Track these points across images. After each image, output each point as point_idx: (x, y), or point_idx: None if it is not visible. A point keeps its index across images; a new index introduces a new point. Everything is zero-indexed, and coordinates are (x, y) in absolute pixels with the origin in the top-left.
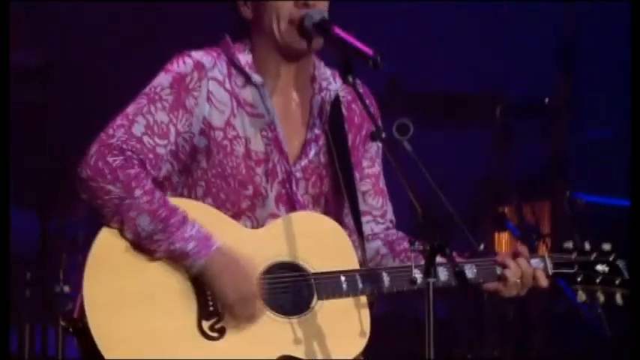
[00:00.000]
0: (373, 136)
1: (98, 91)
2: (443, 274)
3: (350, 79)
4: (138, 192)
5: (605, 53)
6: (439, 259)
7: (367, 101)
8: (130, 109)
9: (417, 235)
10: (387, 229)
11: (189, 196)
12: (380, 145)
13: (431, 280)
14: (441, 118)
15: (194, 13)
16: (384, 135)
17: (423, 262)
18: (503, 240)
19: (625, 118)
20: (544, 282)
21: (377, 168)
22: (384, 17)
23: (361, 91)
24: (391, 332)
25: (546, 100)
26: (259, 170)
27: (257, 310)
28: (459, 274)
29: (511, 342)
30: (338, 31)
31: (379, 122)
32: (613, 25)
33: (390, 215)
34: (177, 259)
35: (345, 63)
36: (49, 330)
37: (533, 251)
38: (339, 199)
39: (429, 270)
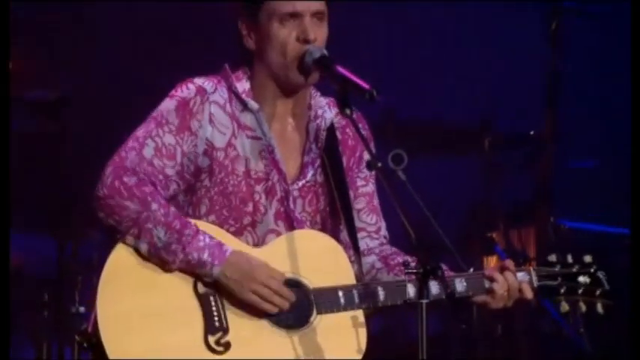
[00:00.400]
0: (369, 166)
1: (109, 123)
2: (434, 288)
3: (348, 111)
4: (154, 206)
5: (588, 89)
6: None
7: (360, 125)
8: (140, 132)
9: (411, 255)
10: (382, 244)
11: (193, 214)
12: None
13: (424, 301)
14: (434, 147)
15: (204, 48)
16: (379, 164)
17: (411, 269)
18: (491, 263)
19: (605, 150)
20: (529, 294)
21: (371, 187)
22: (382, 53)
23: (356, 116)
24: (386, 349)
25: (532, 132)
26: (259, 188)
27: (282, 305)
28: (450, 295)
29: (499, 357)
30: (337, 66)
31: (372, 145)
32: (595, 63)
33: (383, 231)
34: (193, 268)
35: (344, 97)
36: (65, 349)
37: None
38: (336, 217)
39: (422, 292)
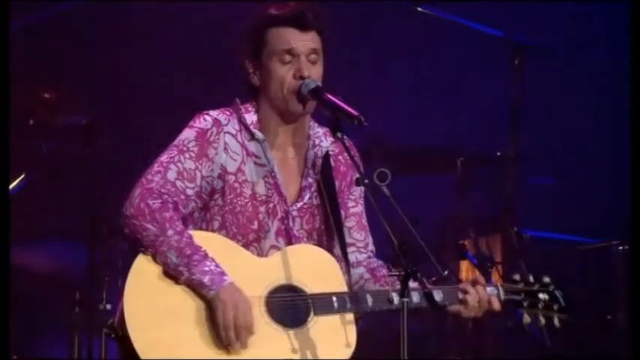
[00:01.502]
0: (358, 182)
1: (135, 145)
2: (415, 297)
3: (339, 135)
4: (170, 232)
5: (547, 116)
6: (413, 284)
7: (352, 152)
8: (164, 158)
9: (394, 262)
10: (369, 257)
11: (207, 228)
12: (363, 188)
13: (405, 299)
14: (413, 167)
15: (220, 74)
16: (366, 181)
17: (399, 286)
18: (463, 267)
19: (562, 169)
20: (497, 306)
21: (360, 208)
22: (369, 86)
23: (346, 140)
24: (373, 343)
25: (498, 153)
26: (262, 209)
27: (248, 337)
28: (428, 296)
29: (469, 350)
30: (329, 96)
31: (362, 169)
32: (555, 88)
33: (371, 246)
34: (194, 287)
35: (335, 122)
36: (94, 340)
37: (487, 276)
38: (329, 233)
39: (403, 291)
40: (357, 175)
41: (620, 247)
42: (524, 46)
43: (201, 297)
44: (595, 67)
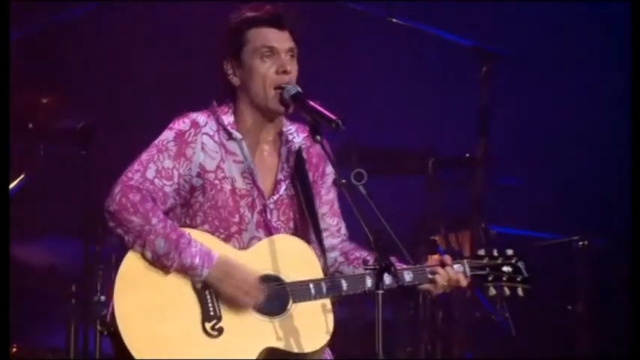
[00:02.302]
0: (335, 183)
1: (126, 147)
2: (388, 279)
3: (318, 138)
4: (154, 220)
5: (513, 118)
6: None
7: (325, 145)
8: (144, 157)
9: (367, 250)
10: (343, 241)
11: (191, 224)
12: (334, 177)
13: (380, 292)
14: (388, 168)
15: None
16: (344, 181)
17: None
18: (434, 260)
19: (526, 170)
20: (464, 282)
21: (332, 195)
22: (346, 90)
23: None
24: (349, 332)
25: (467, 155)
26: (243, 203)
27: (256, 298)
28: (402, 287)
29: (440, 338)
30: (309, 101)
31: (333, 159)
32: (520, 95)
33: (343, 230)
34: (187, 271)
35: (315, 125)
36: (89, 329)
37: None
38: (304, 222)
39: (378, 284)
40: (330, 171)
41: (580, 243)
42: (493, 54)
43: (189, 289)
44: (559, 75)
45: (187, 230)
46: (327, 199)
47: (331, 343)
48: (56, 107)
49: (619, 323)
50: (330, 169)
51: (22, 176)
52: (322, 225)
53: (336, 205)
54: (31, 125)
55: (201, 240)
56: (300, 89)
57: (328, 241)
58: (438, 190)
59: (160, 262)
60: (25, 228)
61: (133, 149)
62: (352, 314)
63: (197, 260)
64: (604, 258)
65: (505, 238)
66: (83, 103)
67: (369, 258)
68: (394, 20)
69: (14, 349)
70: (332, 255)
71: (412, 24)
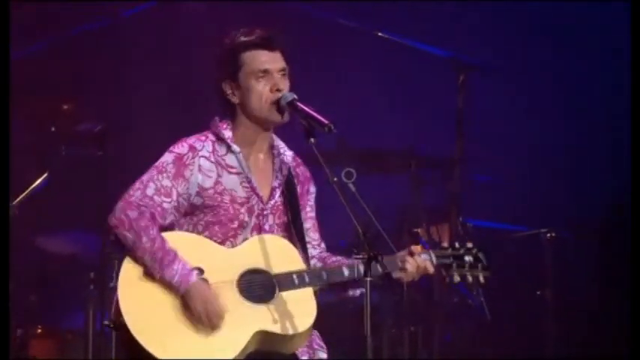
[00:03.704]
0: (329, 181)
1: (139, 149)
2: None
3: (312, 140)
4: (144, 239)
5: (488, 124)
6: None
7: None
8: (145, 177)
9: (358, 248)
10: (321, 252)
11: (194, 230)
12: (315, 197)
13: (368, 279)
14: (374, 167)
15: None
16: (335, 179)
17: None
18: (417, 251)
19: (500, 169)
20: (431, 269)
21: (313, 213)
22: (338, 98)
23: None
24: (339, 316)
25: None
26: (243, 209)
27: (220, 321)
28: (387, 275)
29: (420, 322)
30: (303, 106)
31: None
32: (494, 100)
33: (323, 245)
34: (167, 285)
35: (309, 129)
36: (105, 313)
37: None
38: (291, 230)
39: (367, 272)
40: (314, 188)
41: (548, 235)
42: (468, 64)
43: None
44: (528, 82)
45: (180, 237)
46: (310, 216)
47: (321, 328)
48: (76, 112)
49: (582, 307)
50: (313, 189)
51: (45, 175)
52: (306, 238)
53: (316, 222)
54: (53, 128)
55: (196, 247)
56: (295, 96)
57: (309, 252)
58: (419, 187)
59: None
60: (49, 221)
61: (144, 150)
62: (343, 300)
63: (175, 279)
64: (569, 248)
65: (480, 230)
66: (100, 109)
67: (345, 260)
68: (380, 34)
69: (39, 330)
70: (311, 262)
71: (396, 38)
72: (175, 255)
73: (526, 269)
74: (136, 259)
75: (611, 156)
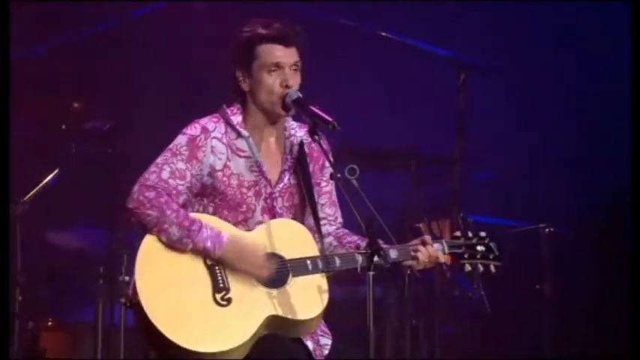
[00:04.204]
0: (332, 176)
1: (148, 146)
2: (377, 259)
3: (316, 137)
4: (168, 212)
5: (488, 120)
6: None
7: (324, 143)
8: (159, 159)
9: (358, 235)
10: (337, 228)
11: (204, 212)
12: (331, 170)
13: (371, 273)
14: (377, 164)
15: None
16: (339, 175)
17: (362, 247)
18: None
19: (499, 167)
20: (443, 259)
21: (330, 187)
22: (342, 97)
23: (323, 143)
24: (345, 308)
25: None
26: (250, 193)
27: (267, 270)
28: (392, 266)
29: (423, 313)
30: (309, 104)
31: (330, 156)
32: (495, 98)
33: (340, 219)
34: (201, 253)
35: (313, 126)
36: (114, 306)
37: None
38: (304, 209)
39: (369, 266)
40: (329, 165)
41: (547, 230)
42: (469, 64)
43: (201, 265)
44: (528, 82)
45: (198, 216)
46: (326, 190)
47: (325, 314)
48: (86, 111)
49: (580, 300)
50: (328, 163)
51: (56, 171)
52: (321, 214)
53: (334, 196)
54: (64, 126)
55: (212, 223)
56: (300, 94)
57: (325, 228)
58: (420, 184)
59: (174, 247)
60: (59, 216)
61: (152, 148)
62: (347, 293)
63: (209, 244)
64: (567, 243)
65: (480, 225)
66: (109, 108)
67: (360, 242)
68: (383, 34)
69: (50, 323)
70: (327, 240)
71: (399, 37)
72: (201, 222)
73: (525, 263)
74: (161, 234)
75: (610, 154)
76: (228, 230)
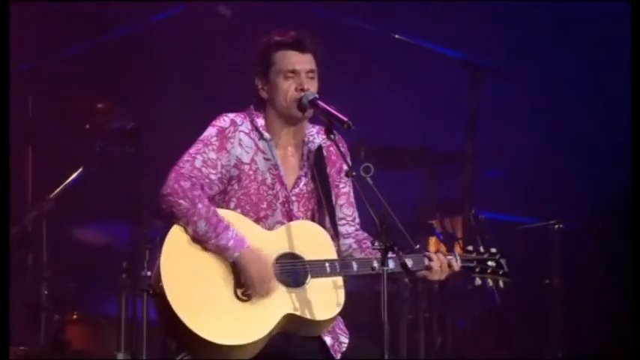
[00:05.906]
0: (347, 174)
1: (170, 144)
2: (392, 264)
3: (332, 136)
4: (199, 206)
5: (498, 119)
6: (391, 255)
7: (341, 144)
8: (192, 150)
9: (376, 238)
10: (357, 229)
11: (225, 208)
12: (347, 170)
13: (385, 268)
14: (391, 162)
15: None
16: (354, 173)
17: (379, 256)
18: (431, 242)
19: (510, 165)
20: (457, 267)
21: (348, 188)
22: (359, 98)
23: (337, 139)
24: (358, 303)
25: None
26: (270, 194)
27: (271, 288)
28: (403, 265)
29: (436, 307)
30: (324, 104)
31: (348, 158)
32: (503, 99)
33: (357, 220)
34: (220, 252)
35: (329, 126)
36: (137, 300)
37: (451, 249)
38: (322, 212)
39: (383, 262)
40: (346, 167)
41: (556, 226)
42: (479, 66)
43: (224, 262)
44: (534, 83)
45: (226, 214)
46: (344, 192)
47: (343, 314)
48: (110, 111)
49: (588, 294)
50: (345, 165)
51: (80, 169)
52: (339, 215)
53: (352, 197)
54: (88, 126)
55: (237, 223)
56: (316, 95)
57: (344, 229)
58: (433, 182)
59: (199, 240)
60: (84, 213)
61: (174, 147)
62: (363, 287)
63: (230, 243)
64: (575, 239)
65: (492, 222)
66: (132, 108)
67: (376, 242)
68: (397, 37)
69: (75, 316)
70: (347, 241)
71: (413, 40)
72: (228, 223)
73: (535, 259)
74: (188, 226)
75: (621, 151)
76: (251, 230)
